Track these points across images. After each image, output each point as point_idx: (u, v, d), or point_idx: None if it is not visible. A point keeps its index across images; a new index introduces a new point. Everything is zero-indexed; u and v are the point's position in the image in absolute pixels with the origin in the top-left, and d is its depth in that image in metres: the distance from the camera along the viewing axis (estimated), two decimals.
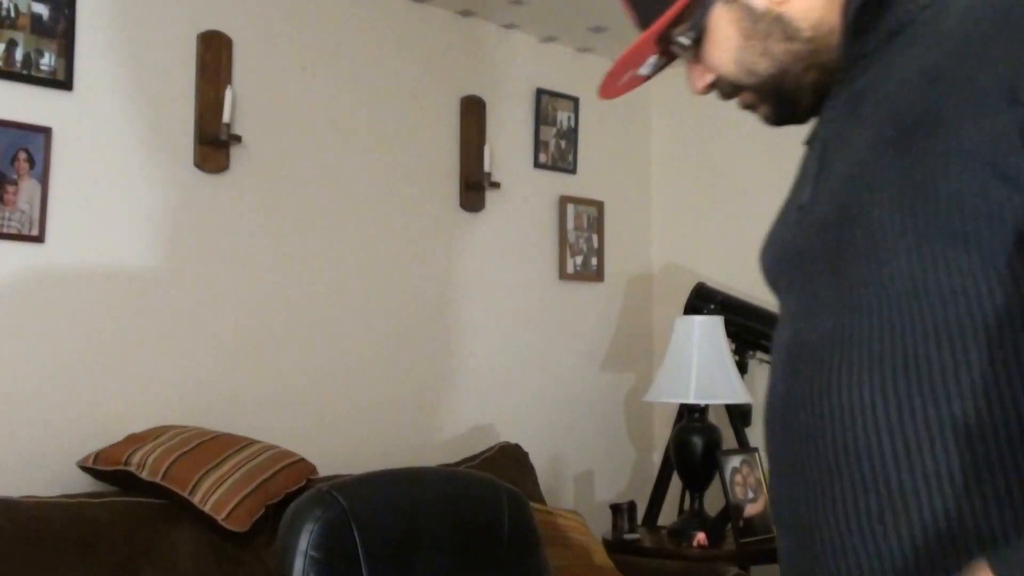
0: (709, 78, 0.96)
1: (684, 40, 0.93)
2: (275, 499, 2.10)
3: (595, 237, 3.34)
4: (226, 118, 2.37)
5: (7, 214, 2.11)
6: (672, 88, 3.58)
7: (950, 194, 0.76)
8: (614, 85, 0.99)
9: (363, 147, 2.75)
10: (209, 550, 2.05)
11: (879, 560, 0.80)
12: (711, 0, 0.92)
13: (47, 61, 2.16)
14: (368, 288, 2.74)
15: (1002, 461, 0.76)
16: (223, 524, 2.03)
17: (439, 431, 2.88)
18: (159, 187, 2.35)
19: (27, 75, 2.14)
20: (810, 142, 0.95)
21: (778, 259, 0.95)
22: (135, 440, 2.14)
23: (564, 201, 3.26)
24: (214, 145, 2.41)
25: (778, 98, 0.94)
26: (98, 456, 2.12)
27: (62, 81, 2.18)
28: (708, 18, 0.92)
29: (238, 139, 2.43)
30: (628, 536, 2.84)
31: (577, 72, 3.31)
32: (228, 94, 2.38)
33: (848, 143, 0.86)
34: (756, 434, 3.16)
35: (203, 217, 2.42)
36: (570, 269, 3.26)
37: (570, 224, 3.26)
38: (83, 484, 2.13)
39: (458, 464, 2.65)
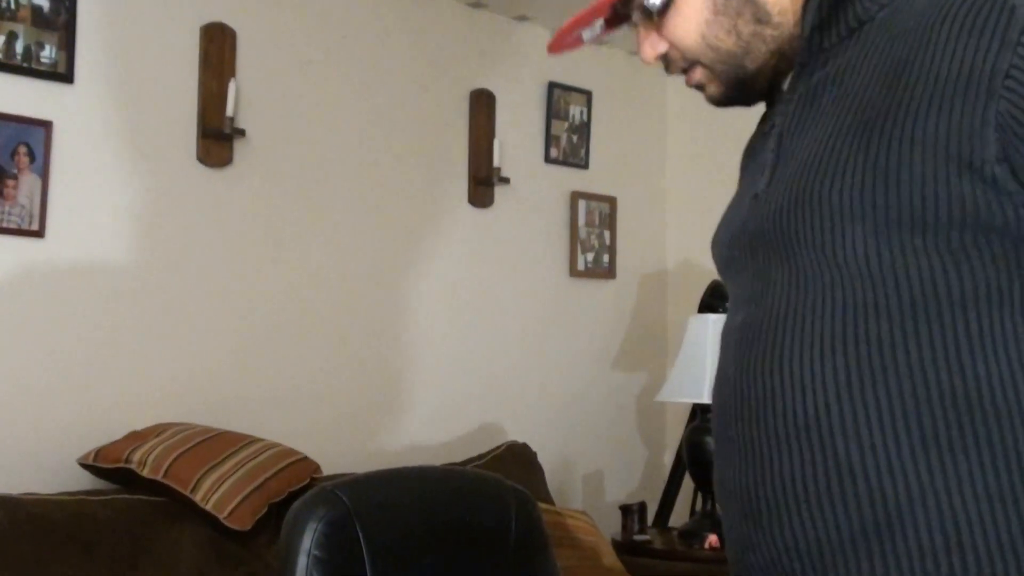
0: (662, 48, 0.97)
1: (650, 7, 0.94)
2: (278, 498, 2.09)
3: (607, 233, 3.31)
4: (229, 111, 2.36)
5: (7, 208, 2.10)
6: None
7: (912, 182, 0.80)
8: (561, 42, 1.01)
9: (369, 141, 2.73)
10: (211, 549, 2.03)
11: (825, 530, 0.82)
12: None
13: (48, 54, 2.15)
14: (375, 284, 2.72)
15: (948, 434, 0.79)
16: (225, 523, 2.01)
17: (446, 429, 2.86)
18: (161, 182, 2.33)
19: (27, 68, 2.12)
20: (764, 133, 0.97)
21: (731, 246, 0.96)
22: (136, 437, 2.13)
23: (576, 197, 3.23)
24: (217, 139, 2.39)
25: (734, 79, 0.96)
26: (99, 453, 2.10)
27: (63, 74, 2.17)
28: None
29: (242, 133, 2.42)
30: (638, 537, 2.82)
31: (590, 65, 3.27)
32: (231, 87, 2.37)
33: (806, 133, 0.89)
34: None
35: (206, 212, 2.41)
36: (581, 266, 3.23)
37: (581, 220, 3.23)
38: (83, 482, 2.12)
39: (465, 463, 2.62)
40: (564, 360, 3.17)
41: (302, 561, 1.60)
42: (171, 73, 2.35)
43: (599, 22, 0.98)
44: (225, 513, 2.01)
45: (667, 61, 0.97)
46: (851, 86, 0.87)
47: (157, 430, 2.15)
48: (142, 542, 1.97)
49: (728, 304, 0.99)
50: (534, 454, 2.79)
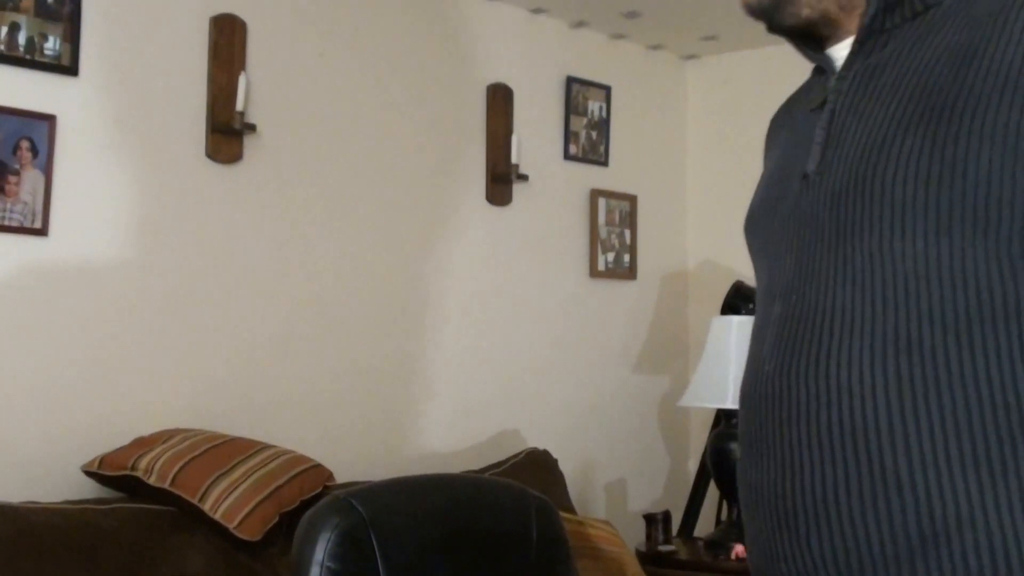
0: None
1: None
2: (289, 507, 2.08)
3: (628, 233, 3.31)
4: (240, 106, 2.35)
5: (8, 206, 2.08)
6: (709, 77, 3.51)
7: (978, 176, 0.79)
8: None
9: (384, 137, 2.72)
10: (220, 560, 2.01)
11: (867, 545, 0.81)
12: None
13: (52, 45, 2.14)
14: (389, 285, 2.71)
15: (1001, 451, 0.78)
16: (235, 533, 2.00)
17: (463, 435, 2.85)
18: (169, 178, 2.32)
19: (30, 60, 2.11)
20: (812, 108, 0.96)
21: (773, 229, 0.95)
22: (142, 444, 2.11)
23: (595, 195, 3.23)
24: (227, 134, 2.38)
25: None
26: (103, 460, 2.08)
27: (67, 66, 2.16)
28: None
29: (252, 128, 2.40)
30: (663, 548, 2.81)
31: (609, 59, 3.28)
32: (242, 81, 2.36)
33: (864, 115, 0.88)
34: None
35: (215, 210, 2.39)
36: (601, 266, 3.23)
37: (602, 219, 3.23)
38: (87, 490, 2.10)
39: (484, 471, 2.62)
40: (584, 364, 3.18)
41: (315, 573, 1.61)
42: (179, 66, 2.34)
43: None
44: (235, 523, 1.99)
45: None
46: (913, 69, 0.86)
47: (164, 436, 2.13)
48: (148, 553, 1.95)
49: (760, 293, 0.96)
50: (555, 461, 2.79)
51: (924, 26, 0.88)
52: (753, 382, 0.91)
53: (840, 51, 0.94)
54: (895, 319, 0.81)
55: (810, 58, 0.99)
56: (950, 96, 0.81)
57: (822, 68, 0.98)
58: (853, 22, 0.93)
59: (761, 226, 0.97)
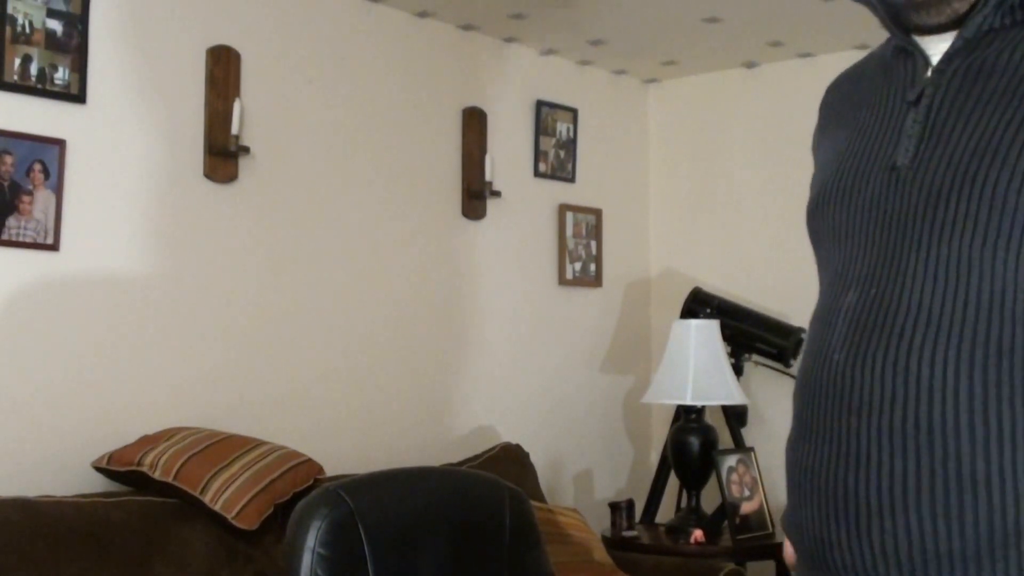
0: None
1: None
2: (283, 498, 2.13)
3: (593, 244, 3.40)
4: (235, 130, 2.41)
5: (23, 223, 2.15)
6: (669, 98, 3.63)
7: None
8: None
9: (367, 157, 2.79)
10: (220, 547, 2.08)
11: (935, 540, 0.78)
12: None
13: (61, 75, 2.20)
14: (373, 293, 2.78)
15: None
16: (233, 522, 2.06)
17: (443, 432, 2.92)
18: (170, 196, 2.38)
19: (42, 89, 2.17)
20: (906, 99, 0.91)
21: (850, 216, 0.90)
22: (148, 441, 2.18)
23: (563, 209, 3.32)
24: (223, 156, 2.45)
25: None
26: (112, 457, 2.15)
27: (76, 95, 2.22)
28: None
29: (246, 150, 2.48)
30: (627, 533, 2.87)
31: (576, 84, 3.37)
32: (236, 106, 2.42)
33: (970, 116, 0.84)
34: (752, 434, 3.20)
35: (212, 225, 2.46)
36: (569, 275, 3.32)
37: (569, 231, 3.32)
38: (97, 484, 2.17)
39: (461, 464, 2.68)
40: (554, 365, 3.25)
41: (307, 558, 1.66)
42: (179, 93, 2.40)
43: None
44: (233, 513, 2.05)
45: None
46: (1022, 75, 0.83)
47: (168, 434, 2.20)
48: (154, 542, 2.01)
49: (828, 278, 0.91)
50: (526, 454, 2.86)
51: None
52: (819, 368, 0.87)
53: (934, 43, 0.90)
54: (987, 323, 0.78)
55: (898, 39, 0.93)
56: None
57: (903, 49, 0.92)
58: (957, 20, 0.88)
59: (833, 211, 0.91)
